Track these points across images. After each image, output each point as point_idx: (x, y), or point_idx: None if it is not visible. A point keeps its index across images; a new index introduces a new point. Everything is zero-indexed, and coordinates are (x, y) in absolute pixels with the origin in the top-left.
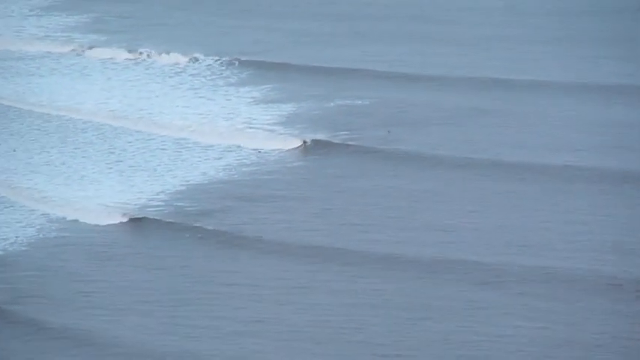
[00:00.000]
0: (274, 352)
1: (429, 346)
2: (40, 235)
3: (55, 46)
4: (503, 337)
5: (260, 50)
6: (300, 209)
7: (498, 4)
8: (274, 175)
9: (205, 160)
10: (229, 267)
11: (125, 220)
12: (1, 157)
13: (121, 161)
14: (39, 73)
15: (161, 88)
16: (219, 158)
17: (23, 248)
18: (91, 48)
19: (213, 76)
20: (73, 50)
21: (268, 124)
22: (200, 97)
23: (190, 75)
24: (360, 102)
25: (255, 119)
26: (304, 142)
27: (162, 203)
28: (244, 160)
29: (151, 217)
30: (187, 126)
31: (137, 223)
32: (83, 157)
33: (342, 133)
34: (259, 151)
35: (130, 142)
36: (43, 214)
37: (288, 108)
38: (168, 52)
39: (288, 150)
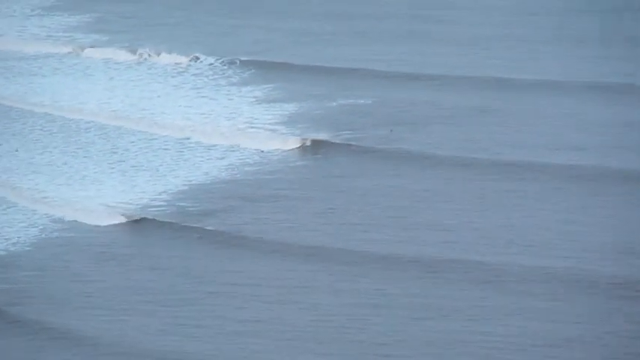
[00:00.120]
0: (276, 352)
1: (431, 346)
2: (42, 236)
3: (57, 46)
4: (505, 336)
5: (261, 50)
6: (303, 209)
7: (498, 3)
8: (276, 174)
9: (208, 159)
10: (231, 267)
11: (127, 220)
12: (3, 157)
13: (123, 161)
14: (41, 73)
15: (163, 88)
16: (222, 158)
17: (25, 248)
18: (93, 48)
19: (216, 76)
20: (75, 50)
21: (270, 123)
22: (202, 96)
23: (192, 75)
24: (362, 101)
25: (257, 119)
26: (306, 141)
27: (165, 203)
28: (247, 160)
29: (153, 217)
30: (190, 126)
31: (139, 223)
32: (85, 157)
33: (344, 132)
34: (262, 151)
35: (132, 142)
36: (44, 214)
37: (290, 107)
38: (170, 52)
39: (291, 150)
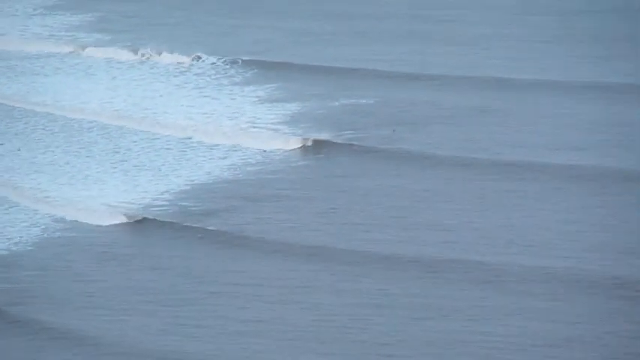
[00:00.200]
0: (278, 351)
1: (431, 346)
2: (44, 235)
3: (59, 46)
4: (505, 336)
5: (262, 50)
6: (304, 209)
7: (498, 3)
8: (279, 174)
9: (210, 159)
10: (233, 267)
11: (129, 219)
12: (6, 156)
13: (126, 161)
14: (43, 72)
15: (165, 88)
16: (224, 158)
17: (27, 248)
18: (95, 47)
19: (218, 76)
20: (77, 50)
21: (273, 123)
22: (205, 96)
23: (195, 74)
24: (364, 101)
25: (259, 118)
26: (309, 141)
27: (167, 203)
28: (249, 160)
29: (155, 216)
30: (192, 125)
31: (141, 222)
32: (87, 156)
33: (346, 132)
34: (264, 151)
35: (134, 142)
36: (46, 214)
37: (292, 107)
38: (172, 52)
39: (293, 149)
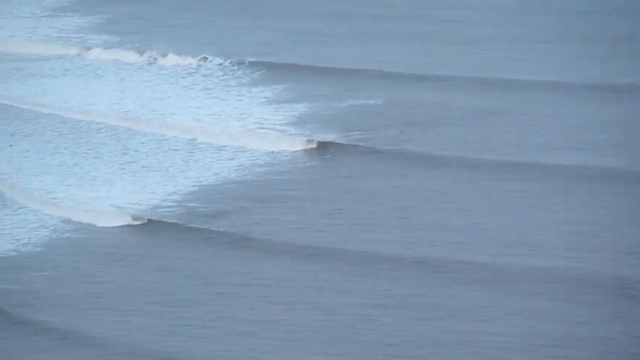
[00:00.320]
0: (285, 352)
1: (438, 346)
2: (53, 236)
3: (67, 48)
4: (512, 337)
5: (268, 51)
6: (311, 210)
7: (498, 2)
8: (286, 175)
9: (218, 160)
10: (240, 268)
11: (136, 221)
12: (14, 157)
13: (134, 162)
14: (52, 74)
15: (174, 89)
16: (232, 159)
17: (36, 249)
18: (103, 49)
19: (226, 77)
20: (85, 51)
21: (280, 124)
22: (213, 97)
23: (203, 75)
24: (372, 102)
25: (267, 120)
26: (316, 142)
27: (174, 204)
28: (257, 161)
29: (163, 218)
30: (200, 127)
31: (149, 224)
32: (96, 157)
33: (354, 133)
34: (272, 152)
35: (143, 143)
36: (55, 215)
37: (300, 108)
38: (179, 53)
39: (301, 150)
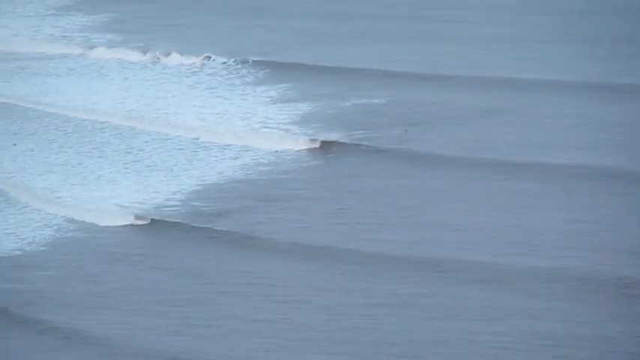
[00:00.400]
0: (288, 351)
1: (441, 346)
2: (57, 235)
3: (71, 47)
4: (514, 336)
5: (271, 50)
6: (315, 209)
7: (498, 2)
8: (290, 174)
9: (222, 159)
10: (244, 267)
11: (140, 220)
12: (19, 156)
13: (138, 161)
14: (56, 73)
15: (178, 88)
16: (236, 158)
17: (40, 248)
18: (107, 48)
19: (230, 76)
20: (89, 50)
21: (284, 123)
22: (217, 96)
23: (207, 74)
24: (375, 101)
25: (271, 119)
26: (320, 141)
27: (179, 203)
28: (261, 160)
29: (167, 217)
30: (204, 126)
31: (152, 223)
32: (100, 157)
33: (357, 132)
34: (276, 151)
35: (147, 142)
36: (59, 214)
37: (304, 107)
38: (184, 52)
39: (305, 149)
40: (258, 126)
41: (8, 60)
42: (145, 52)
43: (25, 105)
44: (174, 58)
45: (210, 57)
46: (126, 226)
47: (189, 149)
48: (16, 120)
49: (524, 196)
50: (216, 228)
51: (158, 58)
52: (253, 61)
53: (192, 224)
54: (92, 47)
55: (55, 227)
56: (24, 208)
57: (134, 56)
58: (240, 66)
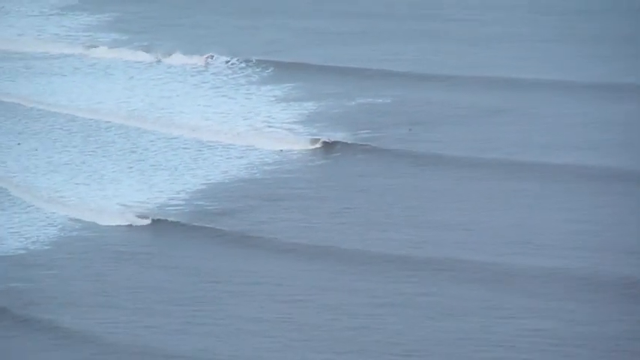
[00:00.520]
0: (292, 351)
1: (445, 345)
2: (61, 235)
3: (76, 46)
4: (517, 336)
5: (275, 49)
6: (319, 208)
7: (499, 2)
8: (295, 174)
9: (227, 159)
10: (248, 266)
11: (145, 219)
12: (23, 156)
13: (142, 160)
14: (61, 72)
15: (182, 87)
16: (241, 157)
17: (44, 247)
18: (112, 48)
19: (235, 75)
20: (94, 50)
21: (289, 122)
22: (221, 95)
23: (212, 74)
24: (380, 100)
25: (275, 118)
26: (324, 141)
27: (183, 202)
28: (265, 159)
29: (171, 216)
30: (208, 125)
31: (157, 222)
32: (104, 156)
33: (362, 131)
34: (280, 150)
35: (151, 142)
36: (63, 214)
37: (309, 106)
38: (188, 52)
39: (309, 149)
40: (263, 125)
41: (13, 59)
42: (149, 52)
43: (30, 104)
44: (179, 58)
45: (214, 56)
46: (130, 225)
47: (194, 148)
48: (21, 119)
49: (526, 196)
50: (220, 227)
51: (163, 58)
52: (257, 61)
53: (197, 223)
54: (96, 47)
55: (60, 226)
56: (28, 207)
57: (138, 56)
58: (244, 65)
